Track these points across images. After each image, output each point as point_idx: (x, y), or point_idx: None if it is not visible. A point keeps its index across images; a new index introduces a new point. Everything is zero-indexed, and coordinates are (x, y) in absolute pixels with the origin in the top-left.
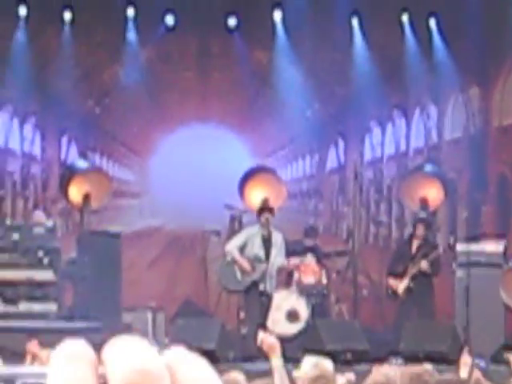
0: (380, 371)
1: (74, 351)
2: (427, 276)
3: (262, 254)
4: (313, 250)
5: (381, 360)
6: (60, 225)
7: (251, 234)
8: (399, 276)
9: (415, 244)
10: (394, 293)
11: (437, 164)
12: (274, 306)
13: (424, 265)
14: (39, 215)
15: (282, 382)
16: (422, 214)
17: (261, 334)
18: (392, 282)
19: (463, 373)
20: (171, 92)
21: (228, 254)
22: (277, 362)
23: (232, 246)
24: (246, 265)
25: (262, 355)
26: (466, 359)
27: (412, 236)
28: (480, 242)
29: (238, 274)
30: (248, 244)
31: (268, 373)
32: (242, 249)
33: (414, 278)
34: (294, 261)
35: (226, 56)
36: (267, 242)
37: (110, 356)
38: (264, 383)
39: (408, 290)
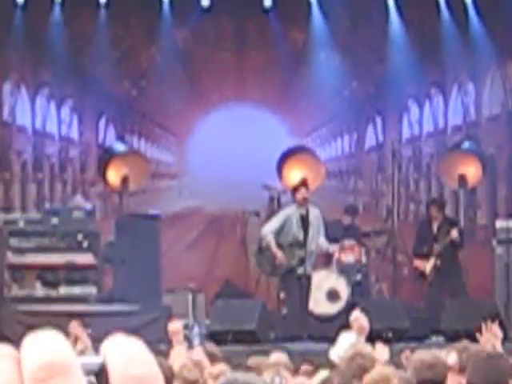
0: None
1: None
2: (454, 250)
3: (300, 235)
4: (352, 228)
5: (421, 338)
6: (99, 208)
7: (289, 215)
8: (424, 256)
9: (435, 225)
10: (422, 274)
11: (475, 141)
12: (314, 285)
13: (454, 233)
14: (78, 199)
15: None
16: (462, 191)
17: (355, 312)
18: (418, 263)
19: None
20: (208, 73)
21: (263, 238)
22: (361, 340)
23: (267, 231)
24: (280, 255)
25: (306, 332)
26: (494, 330)
27: (430, 217)
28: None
29: (275, 261)
30: (286, 225)
31: (310, 353)
32: (279, 231)
33: (439, 256)
34: (333, 247)
35: (262, 36)
36: (305, 222)
37: (23, 353)
38: None
39: (435, 268)
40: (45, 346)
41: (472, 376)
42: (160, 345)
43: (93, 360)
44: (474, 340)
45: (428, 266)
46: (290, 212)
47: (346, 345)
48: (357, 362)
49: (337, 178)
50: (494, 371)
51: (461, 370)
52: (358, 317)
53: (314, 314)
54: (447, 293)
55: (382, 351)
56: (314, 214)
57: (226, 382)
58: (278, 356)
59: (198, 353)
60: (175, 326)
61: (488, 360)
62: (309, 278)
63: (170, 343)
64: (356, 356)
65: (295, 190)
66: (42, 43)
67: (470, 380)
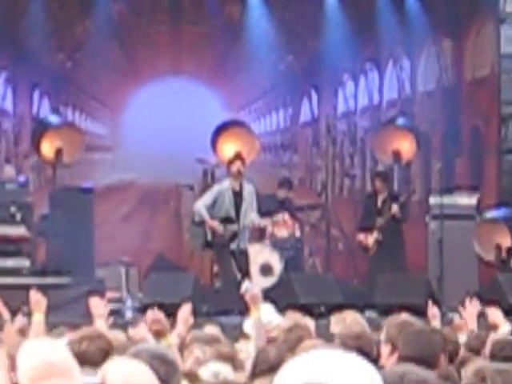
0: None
1: None
2: (397, 225)
3: (232, 210)
4: (286, 203)
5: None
6: (32, 180)
7: (221, 190)
8: (368, 230)
9: (380, 198)
10: (365, 247)
11: (410, 116)
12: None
13: (395, 208)
14: (10, 170)
15: (259, 333)
16: (396, 167)
17: (246, 283)
18: (361, 236)
19: (434, 323)
20: (143, 46)
21: (196, 213)
22: (255, 314)
23: (200, 206)
24: (216, 225)
25: (239, 306)
26: (433, 311)
27: (375, 191)
28: (453, 195)
29: (209, 235)
30: (218, 200)
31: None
32: (212, 206)
33: (382, 230)
34: (266, 221)
35: (198, 10)
36: (238, 197)
37: (20, 355)
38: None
39: (377, 242)
40: (43, 348)
41: (404, 349)
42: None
43: (92, 380)
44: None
45: (370, 239)
46: (224, 187)
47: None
48: (295, 334)
49: (271, 152)
50: (425, 345)
51: (392, 343)
52: (248, 288)
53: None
54: (388, 267)
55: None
56: (248, 189)
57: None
58: (210, 329)
59: (141, 329)
60: (95, 300)
61: (419, 333)
62: (245, 253)
63: (90, 317)
64: (294, 328)
65: (230, 163)
66: None
67: (402, 353)
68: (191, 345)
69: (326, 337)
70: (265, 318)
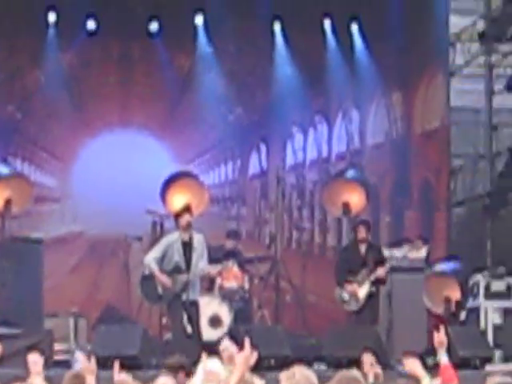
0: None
1: None
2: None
3: (182, 261)
4: (234, 254)
5: (304, 365)
6: None
7: (171, 242)
8: (355, 282)
9: (362, 248)
10: (356, 298)
11: (359, 169)
12: None
13: (381, 272)
14: None
15: None
16: (345, 219)
17: (226, 342)
18: (350, 287)
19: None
20: (93, 97)
21: (146, 267)
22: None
23: (150, 259)
24: (166, 280)
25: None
26: (367, 359)
27: (355, 240)
28: (402, 247)
29: (159, 288)
30: (168, 252)
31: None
32: (162, 258)
33: (374, 283)
34: (216, 268)
35: (147, 61)
36: (188, 248)
37: None
38: None
39: (370, 295)
40: None
41: None
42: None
43: None
44: (356, 367)
45: (362, 291)
46: (172, 239)
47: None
48: None
49: (220, 204)
50: None
51: None
52: (227, 346)
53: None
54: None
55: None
56: (198, 238)
57: None
58: (165, 380)
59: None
60: (34, 356)
61: None
62: (196, 304)
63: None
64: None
65: (178, 215)
66: None
67: None
68: None
69: None
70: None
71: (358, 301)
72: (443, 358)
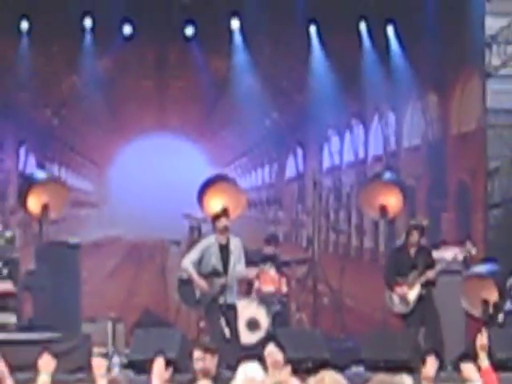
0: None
1: None
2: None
3: (219, 265)
4: (272, 258)
5: (342, 368)
6: (19, 235)
7: (208, 245)
8: (406, 284)
9: (412, 251)
10: (406, 301)
11: (396, 171)
12: None
13: (431, 274)
14: None
15: None
16: (382, 222)
17: (270, 347)
18: (400, 290)
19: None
20: (129, 102)
21: (184, 271)
22: (276, 376)
23: (187, 263)
24: (203, 284)
25: (227, 361)
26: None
27: (406, 243)
28: (440, 250)
29: (197, 292)
30: (205, 255)
31: (230, 380)
32: (199, 262)
33: (424, 286)
34: (253, 271)
35: (183, 65)
36: (225, 251)
37: None
38: None
39: (420, 297)
40: None
41: None
42: (80, 373)
43: None
44: (394, 370)
45: (412, 293)
46: (209, 242)
47: (242, 376)
48: None
49: (257, 207)
50: None
51: None
52: (272, 351)
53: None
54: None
55: None
56: (235, 242)
57: None
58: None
59: None
60: (98, 360)
61: None
62: (234, 308)
63: (91, 375)
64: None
65: (215, 218)
66: None
67: None
68: None
69: None
70: (248, 375)
71: (409, 304)
72: (484, 362)
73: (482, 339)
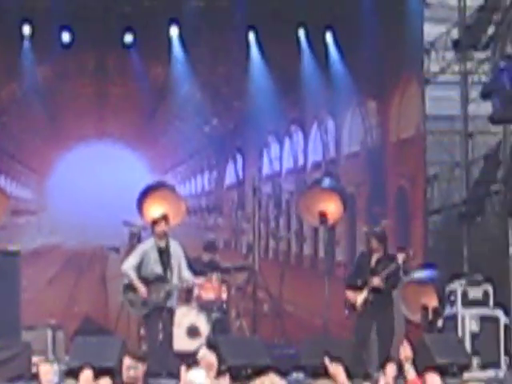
0: None
1: None
2: (382, 291)
3: (159, 269)
4: (212, 265)
5: (284, 374)
6: None
7: (146, 249)
8: (358, 289)
9: (374, 257)
10: (353, 306)
11: (335, 178)
12: (175, 322)
13: (376, 281)
14: None
15: None
16: (321, 228)
17: (203, 350)
18: (350, 294)
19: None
20: (68, 109)
21: (125, 275)
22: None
23: (127, 267)
24: (143, 288)
25: (166, 369)
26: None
27: (371, 250)
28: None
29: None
30: (145, 259)
31: None
32: (139, 266)
33: (373, 291)
34: (199, 280)
35: (123, 72)
36: (165, 255)
37: None
38: None
39: (366, 303)
40: None
41: None
42: (20, 381)
43: None
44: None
45: (359, 299)
46: (148, 246)
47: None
48: None
49: (197, 214)
50: None
51: None
52: (204, 354)
53: (174, 350)
54: (374, 327)
55: None
56: (174, 245)
57: None
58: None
59: None
60: (45, 367)
61: None
62: (172, 312)
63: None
64: None
65: (155, 223)
66: None
67: None
68: None
69: None
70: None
71: (355, 308)
72: (410, 372)
73: (406, 351)
